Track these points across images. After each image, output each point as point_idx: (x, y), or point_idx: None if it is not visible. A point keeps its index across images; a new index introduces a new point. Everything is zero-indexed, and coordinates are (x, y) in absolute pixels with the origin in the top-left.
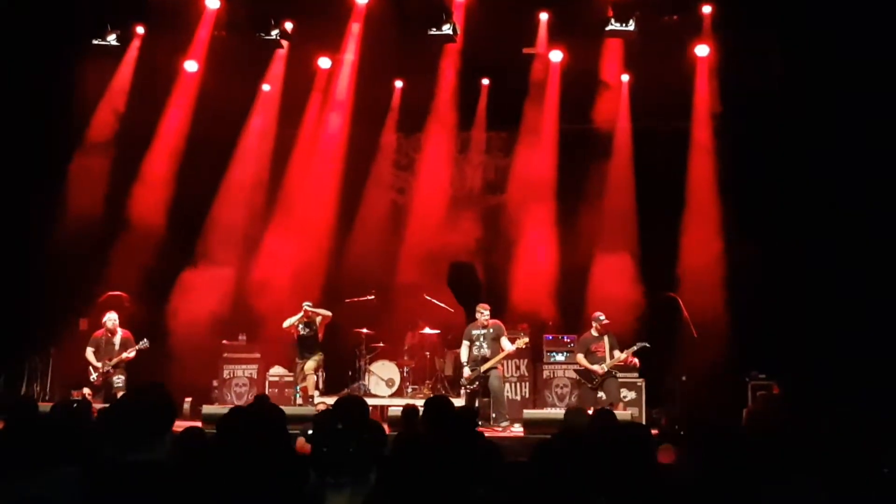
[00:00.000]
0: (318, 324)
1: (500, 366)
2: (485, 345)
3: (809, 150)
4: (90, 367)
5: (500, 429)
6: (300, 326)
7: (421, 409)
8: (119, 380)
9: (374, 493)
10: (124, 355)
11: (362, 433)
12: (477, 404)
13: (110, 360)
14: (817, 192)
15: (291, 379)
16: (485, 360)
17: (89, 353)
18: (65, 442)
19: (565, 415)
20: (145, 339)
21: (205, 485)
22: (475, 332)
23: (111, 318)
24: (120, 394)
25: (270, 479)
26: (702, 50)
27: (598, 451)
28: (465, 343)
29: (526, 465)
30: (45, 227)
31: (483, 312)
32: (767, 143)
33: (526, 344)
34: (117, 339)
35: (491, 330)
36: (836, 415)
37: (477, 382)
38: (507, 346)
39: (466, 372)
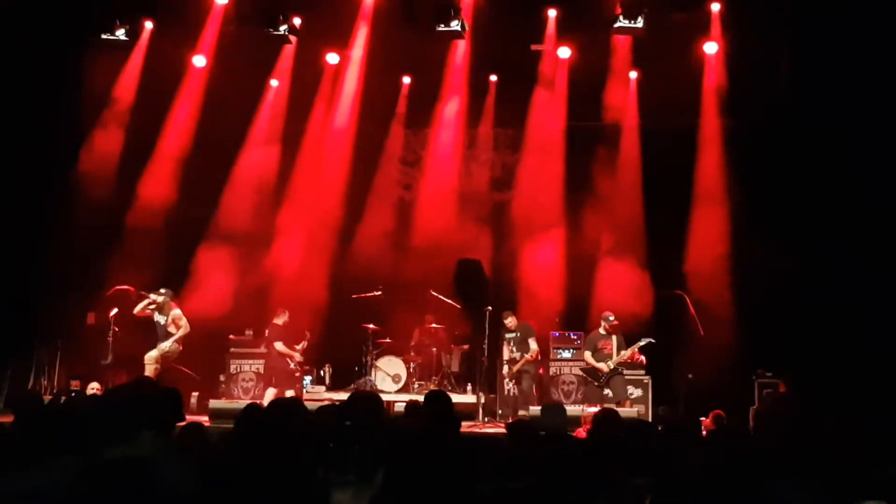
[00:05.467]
0: (170, 318)
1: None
2: (514, 348)
3: (818, 147)
4: (288, 359)
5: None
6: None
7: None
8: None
9: (381, 493)
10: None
11: (370, 431)
12: (484, 399)
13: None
14: (826, 190)
15: (298, 374)
16: (515, 362)
17: (281, 345)
18: (65, 432)
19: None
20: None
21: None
22: (507, 335)
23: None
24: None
25: (276, 476)
26: (710, 47)
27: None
28: (504, 344)
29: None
30: (53, 221)
31: (508, 320)
32: (775, 140)
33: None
34: None
35: (517, 333)
36: (840, 414)
37: (513, 381)
38: (533, 347)
39: (506, 369)
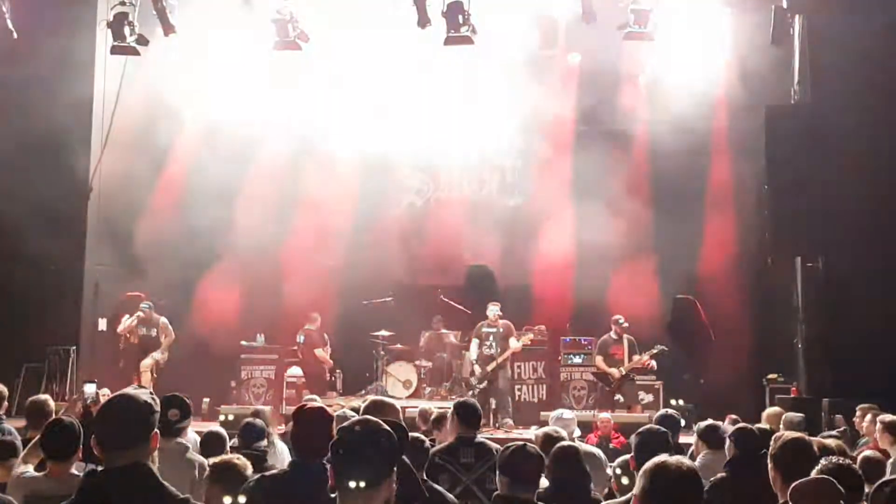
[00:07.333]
0: (159, 328)
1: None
2: (494, 343)
3: (829, 151)
4: (324, 365)
5: (503, 430)
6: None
7: (436, 412)
8: None
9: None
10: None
11: (380, 438)
12: (495, 405)
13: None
14: (837, 193)
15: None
16: (492, 359)
17: (321, 352)
18: (74, 438)
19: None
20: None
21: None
22: (486, 329)
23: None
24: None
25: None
26: (722, 51)
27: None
28: (475, 341)
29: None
30: (66, 226)
31: (493, 309)
32: (787, 144)
33: (531, 340)
34: None
35: (500, 329)
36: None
37: (486, 382)
38: (514, 344)
39: (477, 370)
